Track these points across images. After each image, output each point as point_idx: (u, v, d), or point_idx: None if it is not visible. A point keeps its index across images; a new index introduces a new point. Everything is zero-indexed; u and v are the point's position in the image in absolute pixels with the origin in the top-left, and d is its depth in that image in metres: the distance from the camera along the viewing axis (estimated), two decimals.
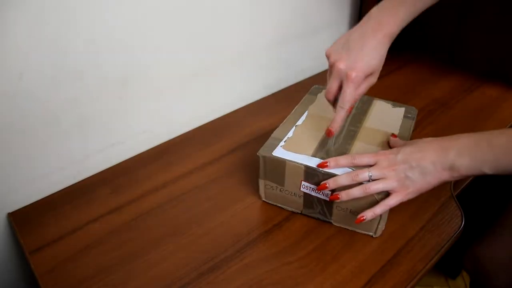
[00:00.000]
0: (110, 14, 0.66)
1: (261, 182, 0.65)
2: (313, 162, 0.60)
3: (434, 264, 0.59)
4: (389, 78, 1.05)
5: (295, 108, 0.74)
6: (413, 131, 0.70)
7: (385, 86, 1.00)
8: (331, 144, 0.64)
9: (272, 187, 0.65)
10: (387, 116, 0.72)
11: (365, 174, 0.56)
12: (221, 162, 0.77)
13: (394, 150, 0.59)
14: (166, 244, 0.61)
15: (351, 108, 0.62)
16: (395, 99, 0.77)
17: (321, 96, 0.77)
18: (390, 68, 1.09)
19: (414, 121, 0.71)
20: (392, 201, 0.56)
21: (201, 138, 0.85)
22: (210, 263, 0.58)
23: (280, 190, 0.64)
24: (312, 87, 0.80)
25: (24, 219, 0.67)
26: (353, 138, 0.66)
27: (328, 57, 0.60)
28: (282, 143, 0.64)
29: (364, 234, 0.61)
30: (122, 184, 0.73)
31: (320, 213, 0.63)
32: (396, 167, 0.56)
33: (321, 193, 0.60)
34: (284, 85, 1.03)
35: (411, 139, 0.64)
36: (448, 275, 1.37)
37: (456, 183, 0.71)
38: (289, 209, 0.66)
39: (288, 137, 0.65)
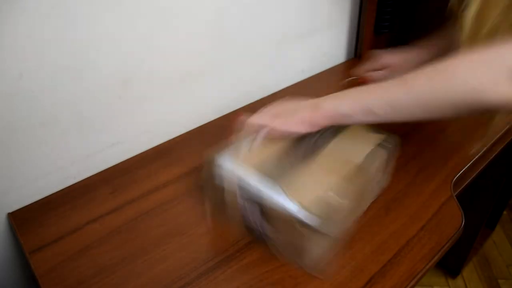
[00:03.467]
0: (110, 14, 0.66)
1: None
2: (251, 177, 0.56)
3: (434, 264, 0.59)
4: None
5: None
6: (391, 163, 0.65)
7: None
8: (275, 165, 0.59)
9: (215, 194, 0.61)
10: (356, 143, 0.63)
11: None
12: None
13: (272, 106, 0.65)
14: (166, 244, 0.61)
15: None
16: None
17: None
18: None
19: (390, 153, 0.63)
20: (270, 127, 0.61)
21: (201, 138, 0.85)
22: (210, 263, 0.58)
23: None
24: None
25: (24, 219, 0.67)
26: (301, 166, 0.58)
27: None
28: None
29: (365, 234, 0.62)
30: (122, 184, 0.73)
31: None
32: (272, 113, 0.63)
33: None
34: (284, 85, 1.03)
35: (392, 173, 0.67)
36: (448, 275, 1.37)
37: (456, 183, 0.71)
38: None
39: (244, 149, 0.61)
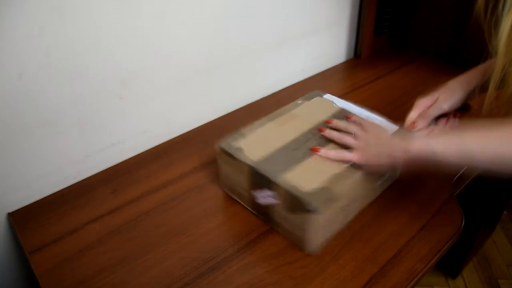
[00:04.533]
0: (110, 14, 0.66)
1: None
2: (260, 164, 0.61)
3: (434, 264, 0.59)
4: (389, 78, 1.05)
5: (281, 108, 0.74)
6: None
7: (385, 86, 1.00)
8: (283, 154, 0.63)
9: (227, 175, 0.66)
10: None
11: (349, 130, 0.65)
12: None
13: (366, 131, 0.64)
14: (166, 244, 0.61)
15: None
16: (395, 99, 0.77)
17: (315, 102, 0.76)
18: (390, 68, 1.10)
19: None
20: (348, 156, 0.61)
21: (201, 138, 0.85)
22: (210, 263, 0.58)
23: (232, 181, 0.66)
24: (313, 92, 0.80)
25: (24, 219, 0.67)
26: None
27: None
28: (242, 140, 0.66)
29: (365, 234, 0.62)
30: (122, 184, 0.73)
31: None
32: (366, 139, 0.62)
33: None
34: (284, 85, 1.03)
35: None
36: (448, 275, 1.37)
37: (456, 183, 0.71)
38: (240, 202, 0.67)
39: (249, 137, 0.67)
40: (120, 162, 0.78)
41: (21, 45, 0.59)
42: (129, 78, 0.73)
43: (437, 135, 0.57)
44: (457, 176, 0.72)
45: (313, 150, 0.63)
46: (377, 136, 0.63)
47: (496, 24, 0.56)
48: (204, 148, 0.81)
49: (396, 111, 0.87)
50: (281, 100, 0.97)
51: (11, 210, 0.68)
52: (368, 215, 0.65)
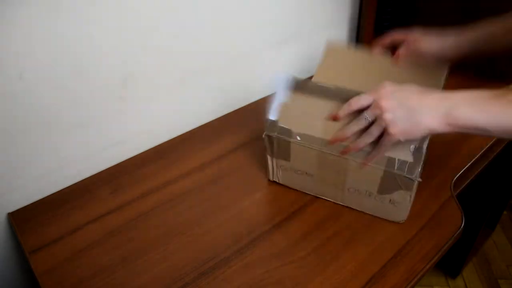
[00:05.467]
0: (110, 14, 0.66)
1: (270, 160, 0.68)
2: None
3: (434, 264, 0.59)
4: None
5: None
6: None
7: None
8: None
9: (282, 165, 0.67)
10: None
11: (362, 121, 0.57)
12: (221, 162, 0.77)
13: (388, 90, 0.56)
14: (166, 244, 0.61)
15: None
16: None
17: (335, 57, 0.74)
18: None
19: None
20: (383, 144, 0.56)
21: (201, 138, 0.85)
22: (210, 263, 0.58)
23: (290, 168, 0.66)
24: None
25: (24, 219, 0.67)
26: None
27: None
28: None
29: (365, 234, 0.62)
30: (122, 184, 0.73)
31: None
32: (390, 108, 0.54)
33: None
34: None
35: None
36: (448, 275, 1.37)
37: (456, 183, 0.71)
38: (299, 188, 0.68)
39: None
40: (120, 162, 0.78)
41: (21, 45, 0.59)
42: (129, 78, 0.73)
43: (479, 103, 0.50)
44: (457, 176, 0.72)
45: (345, 152, 0.60)
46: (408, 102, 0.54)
47: None
48: (204, 148, 0.81)
49: None
50: None
51: (11, 210, 0.68)
52: (368, 214, 0.65)
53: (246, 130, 0.85)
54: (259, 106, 0.95)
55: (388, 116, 0.54)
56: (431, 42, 0.69)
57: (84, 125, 0.71)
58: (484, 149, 0.78)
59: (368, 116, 0.56)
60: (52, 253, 0.60)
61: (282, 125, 0.63)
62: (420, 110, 0.53)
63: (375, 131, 0.56)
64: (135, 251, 0.60)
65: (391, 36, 0.73)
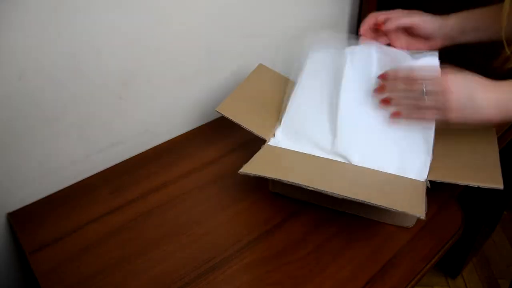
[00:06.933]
0: (110, 14, 0.66)
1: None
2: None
3: (434, 264, 0.59)
4: None
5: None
6: None
7: None
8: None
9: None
10: None
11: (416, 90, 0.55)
12: (221, 162, 0.77)
13: (454, 74, 0.55)
14: (166, 244, 0.61)
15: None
16: None
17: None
18: None
19: None
20: (426, 116, 0.55)
21: (201, 138, 0.84)
22: (210, 263, 0.58)
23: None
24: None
25: (24, 219, 0.67)
26: None
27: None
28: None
29: (365, 234, 0.61)
30: (122, 184, 0.73)
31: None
32: (455, 92, 0.53)
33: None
34: None
35: None
36: (448, 275, 1.37)
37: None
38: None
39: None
40: (120, 162, 0.78)
41: (21, 45, 0.59)
42: (129, 78, 0.73)
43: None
44: None
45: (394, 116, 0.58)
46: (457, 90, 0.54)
47: None
48: (204, 148, 0.81)
49: None
50: None
51: (11, 210, 0.68)
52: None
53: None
54: None
55: (452, 97, 0.52)
56: (425, 20, 0.69)
57: (84, 125, 0.71)
58: None
59: (427, 88, 0.54)
60: (52, 253, 0.60)
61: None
62: (482, 104, 0.52)
63: (430, 106, 0.54)
64: (135, 251, 0.60)
65: (374, 16, 0.72)
